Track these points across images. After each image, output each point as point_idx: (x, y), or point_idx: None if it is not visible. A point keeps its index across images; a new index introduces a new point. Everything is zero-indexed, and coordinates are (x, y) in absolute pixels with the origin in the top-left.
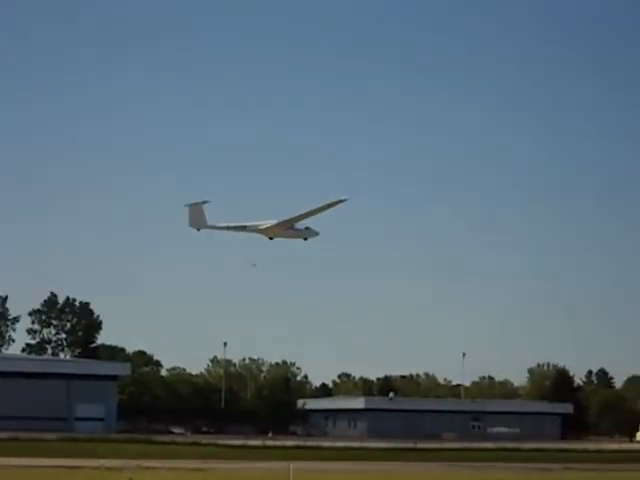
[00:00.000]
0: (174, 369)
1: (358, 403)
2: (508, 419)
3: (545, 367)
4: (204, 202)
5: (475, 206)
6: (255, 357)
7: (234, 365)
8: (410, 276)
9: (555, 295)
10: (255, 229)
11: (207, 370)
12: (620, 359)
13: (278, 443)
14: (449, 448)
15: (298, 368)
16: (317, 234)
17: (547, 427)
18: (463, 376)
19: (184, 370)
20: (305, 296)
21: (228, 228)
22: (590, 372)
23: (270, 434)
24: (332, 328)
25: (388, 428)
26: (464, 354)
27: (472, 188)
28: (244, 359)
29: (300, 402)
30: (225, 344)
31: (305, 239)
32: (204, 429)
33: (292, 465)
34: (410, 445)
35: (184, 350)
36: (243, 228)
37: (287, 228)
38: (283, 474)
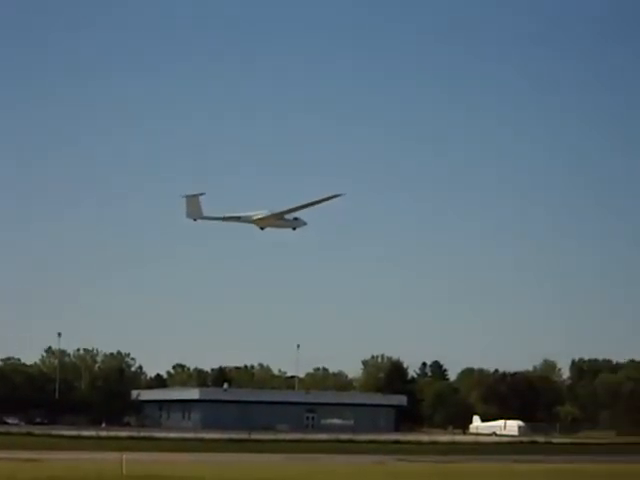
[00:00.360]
0: (8, 359)
1: (192, 394)
2: (342, 411)
3: (379, 359)
4: (201, 194)
5: None
6: (89, 347)
7: (69, 355)
8: None
9: (389, 287)
10: (249, 220)
11: (41, 360)
12: (454, 351)
13: (112, 434)
14: (283, 439)
15: (132, 359)
16: (305, 224)
17: (381, 419)
18: (298, 367)
19: (18, 360)
20: (140, 286)
21: (223, 219)
22: (424, 364)
23: (104, 425)
24: (166, 319)
25: (222, 419)
26: (299, 345)
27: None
28: (78, 349)
29: (134, 393)
30: (59, 334)
31: (294, 229)
32: (38, 420)
33: (125, 456)
34: (244, 436)
35: (18, 340)
36: (238, 219)
37: (278, 219)
38: (116, 465)
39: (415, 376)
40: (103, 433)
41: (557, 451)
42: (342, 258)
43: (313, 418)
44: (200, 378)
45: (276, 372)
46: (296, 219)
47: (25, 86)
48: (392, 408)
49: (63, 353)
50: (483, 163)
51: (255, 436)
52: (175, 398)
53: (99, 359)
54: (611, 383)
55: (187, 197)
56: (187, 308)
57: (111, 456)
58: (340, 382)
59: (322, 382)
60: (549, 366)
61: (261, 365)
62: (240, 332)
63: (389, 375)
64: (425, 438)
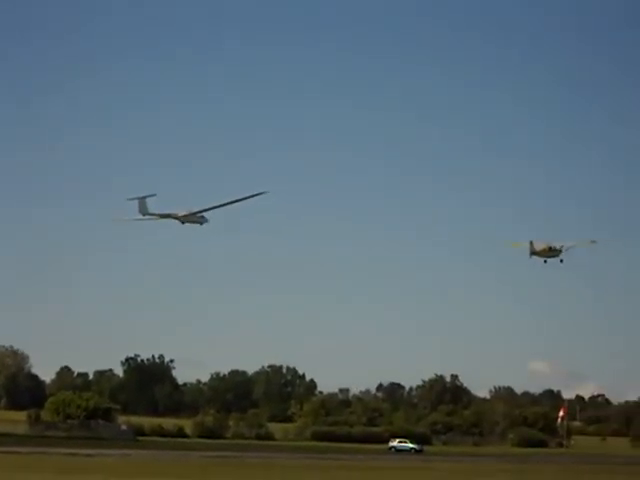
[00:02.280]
0: None
1: None
2: None
3: None
4: (150, 196)
5: None
6: None
7: None
8: None
9: None
10: (175, 216)
11: None
12: None
13: None
14: None
15: None
16: (207, 221)
17: None
18: None
19: None
20: None
21: (160, 216)
22: None
23: None
24: None
25: None
26: None
27: None
28: None
29: None
30: None
31: (201, 224)
32: None
33: None
34: None
35: None
36: (167, 216)
37: (198, 216)
38: None
39: None
40: None
41: None
42: None
43: None
44: None
45: None
46: (202, 217)
47: None
48: None
49: None
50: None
51: None
52: None
53: None
54: None
55: (139, 199)
56: None
57: None
58: None
59: None
60: None
61: None
62: None
63: None
64: None
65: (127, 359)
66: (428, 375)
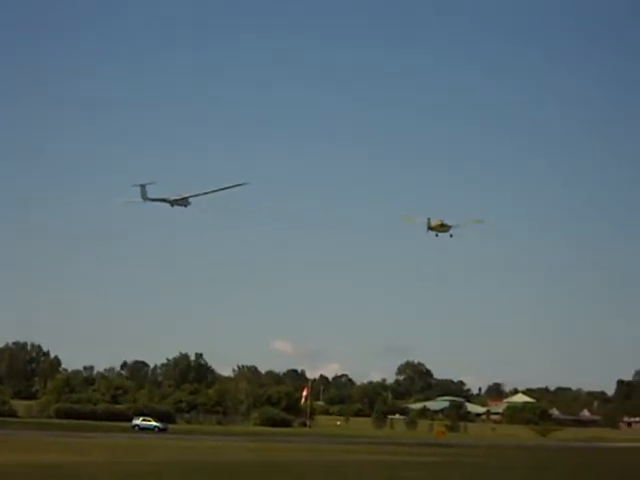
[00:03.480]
0: None
1: None
2: None
3: None
4: (149, 183)
5: None
6: None
7: None
8: None
9: None
10: (167, 200)
11: None
12: None
13: None
14: None
15: None
16: (190, 204)
17: None
18: None
19: None
20: None
21: (158, 200)
22: None
23: None
24: None
25: None
26: None
27: None
28: None
29: None
30: None
31: (185, 207)
32: None
33: None
34: None
35: None
36: (164, 200)
37: (184, 200)
38: None
39: None
40: None
41: None
42: None
43: None
44: None
45: None
46: (187, 200)
47: None
48: None
49: None
50: None
51: None
52: None
53: None
54: None
55: (140, 185)
56: None
57: None
58: None
59: None
60: None
61: None
62: None
63: None
64: None
65: None
66: (173, 354)
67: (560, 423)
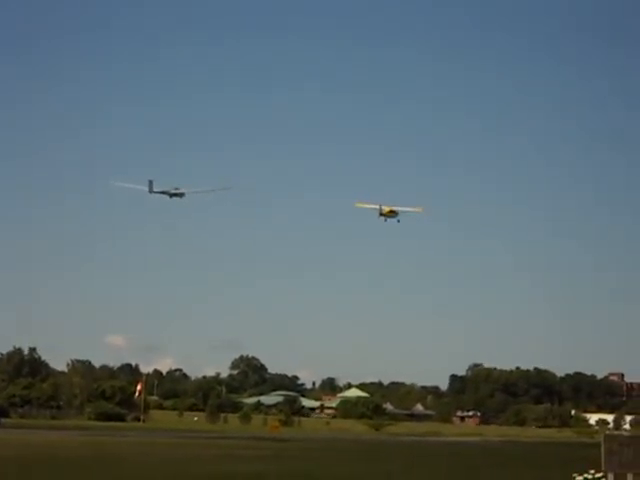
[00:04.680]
0: None
1: None
2: None
3: None
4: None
5: None
6: None
7: None
8: None
9: None
10: (168, 192)
11: None
12: None
13: None
14: None
15: None
16: (185, 195)
17: None
18: None
19: None
20: None
21: (160, 192)
22: None
23: None
24: None
25: None
26: None
27: None
28: None
29: None
30: None
31: (181, 198)
32: None
33: None
34: None
35: None
36: (165, 192)
37: (180, 192)
38: None
39: None
40: None
41: None
42: None
43: None
44: None
45: None
46: (183, 193)
47: None
48: None
49: None
50: None
51: None
52: None
53: None
54: None
55: (149, 181)
56: None
57: None
58: None
59: None
60: None
61: None
62: None
63: None
64: None
65: None
66: (6, 348)
67: (394, 417)
